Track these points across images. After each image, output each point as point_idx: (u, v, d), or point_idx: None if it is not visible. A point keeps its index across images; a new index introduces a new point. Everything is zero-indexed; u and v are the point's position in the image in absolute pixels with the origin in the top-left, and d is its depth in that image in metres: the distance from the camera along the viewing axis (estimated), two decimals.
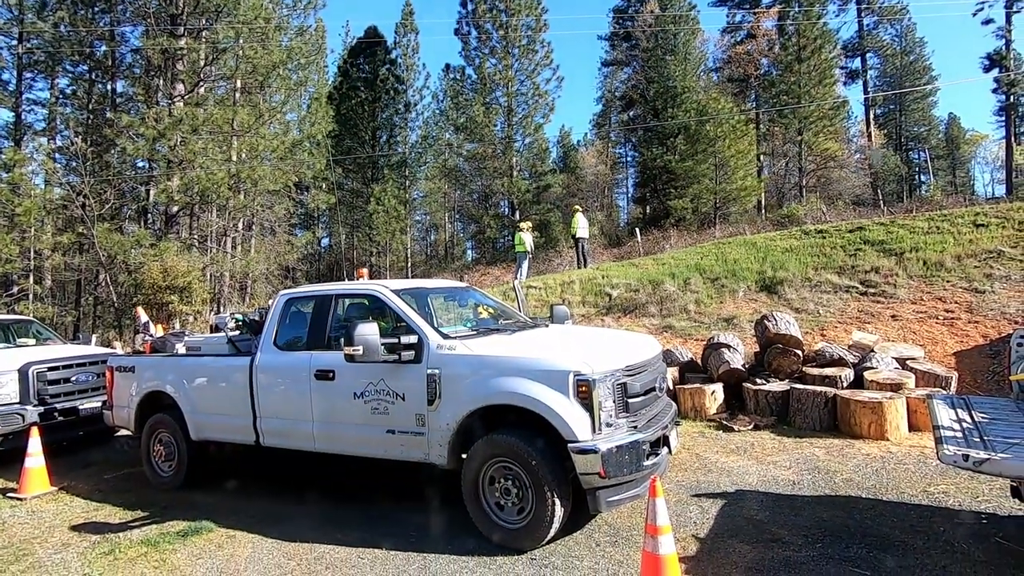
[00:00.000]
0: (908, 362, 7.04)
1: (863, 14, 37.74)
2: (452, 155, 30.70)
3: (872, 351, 7.24)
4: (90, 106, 23.18)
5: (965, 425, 3.47)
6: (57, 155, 21.50)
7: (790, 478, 4.87)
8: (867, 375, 6.61)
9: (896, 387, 6.25)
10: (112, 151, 19.89)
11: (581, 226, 15.52)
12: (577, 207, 16.69)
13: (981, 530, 3.79)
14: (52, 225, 19.27)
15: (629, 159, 42.46)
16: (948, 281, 9.37)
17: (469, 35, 29.32)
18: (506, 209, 31.83)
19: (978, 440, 3.20)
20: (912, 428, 5.91)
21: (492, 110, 28.55)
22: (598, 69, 48.20)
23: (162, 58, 18.14)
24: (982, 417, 3.61)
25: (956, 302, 8.82)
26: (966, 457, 2.93)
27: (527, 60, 28.72)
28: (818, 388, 6.42)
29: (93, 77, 23.35)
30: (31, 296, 19.49)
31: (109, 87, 23.07)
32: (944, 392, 6.13)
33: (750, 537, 3.82)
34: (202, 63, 18.71)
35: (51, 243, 19.04)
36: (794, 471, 5.03)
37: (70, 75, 23.53)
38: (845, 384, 6.67)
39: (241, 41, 18.15)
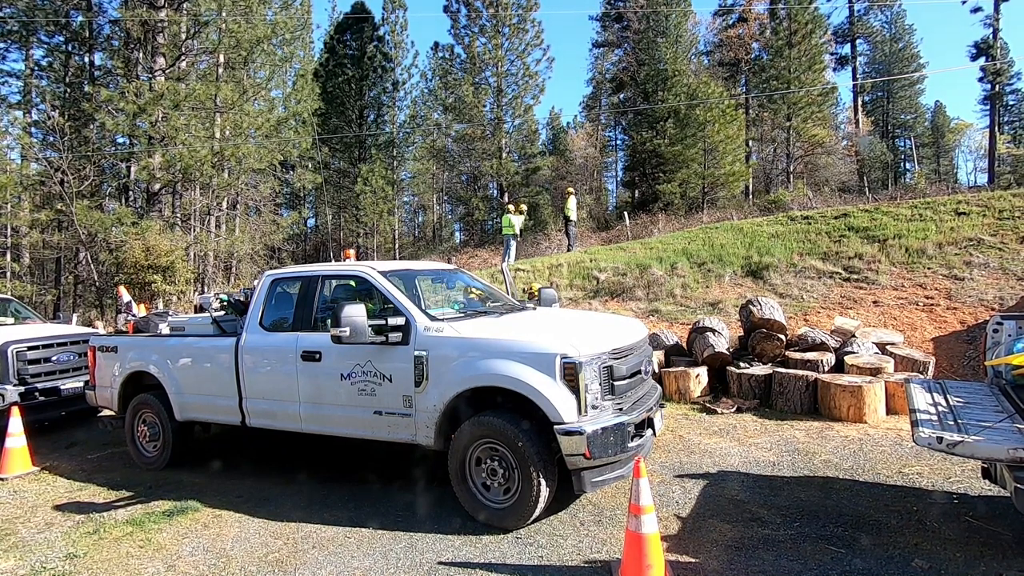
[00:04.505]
0: (888, 347, 7.18)
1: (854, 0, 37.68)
2: (440, 136, 30.28)
3: (853, 336, 7.37)
4: (67, 79, 22.49)
5: (940, 409, 3.56)
6: (33, 129, 20.89)
7: (770, 459, 4.98)
8: (848, 360, 6.73)
9: (875, 371, 6.38)
10: (91, 126, 19.38)
11: (572, 208, 15.93)
12: (570, 190, 17.07)
13: (952, 510, 3.91)
14: (30, 202, 18.82)
15: (619, 142, 42.29)
16: (929, 268, 9.53)
17: (459, 12, 28.76)
18: (495, 191, 31.61)
19: (952, 423, 3.28)
20: (890, 411, 6.05)
21: (481, 90, 28.16)
22: (589, 50, 47.84)
23: (142, 30, 17.61)
24: (957, 401, 3.70)
25: (936, 289, 8.98)
26: (940, 439, 3.01)
27: (517, 39, 28.27)
28: (800, 372, 6.53)
29: (70, 49, 22.62)
30: (8, 274, 19.10)
31: (87, 59, 22.38)
32: (921, 377, 6.28)
33: (731, 516, 3.91)
34: (183, 36, 18.20)
35: (29, 220, 18.64)
36: (775, 452, 5.14)
37: (45, 46, 22.75)
38: (826, 368, 6.80)
39: (224, 14, 17.66)
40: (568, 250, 15.60)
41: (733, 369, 7.04)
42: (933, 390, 3.95)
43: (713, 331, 7.66)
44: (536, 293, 7.53)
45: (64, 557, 3.84)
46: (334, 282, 4.99)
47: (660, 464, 4.94)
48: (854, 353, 6.95)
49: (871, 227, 11.34)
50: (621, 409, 3.85)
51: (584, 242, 19.14)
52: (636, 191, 31.09)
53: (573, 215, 16.09)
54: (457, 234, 40.69)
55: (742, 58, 33.52)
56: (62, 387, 6.86)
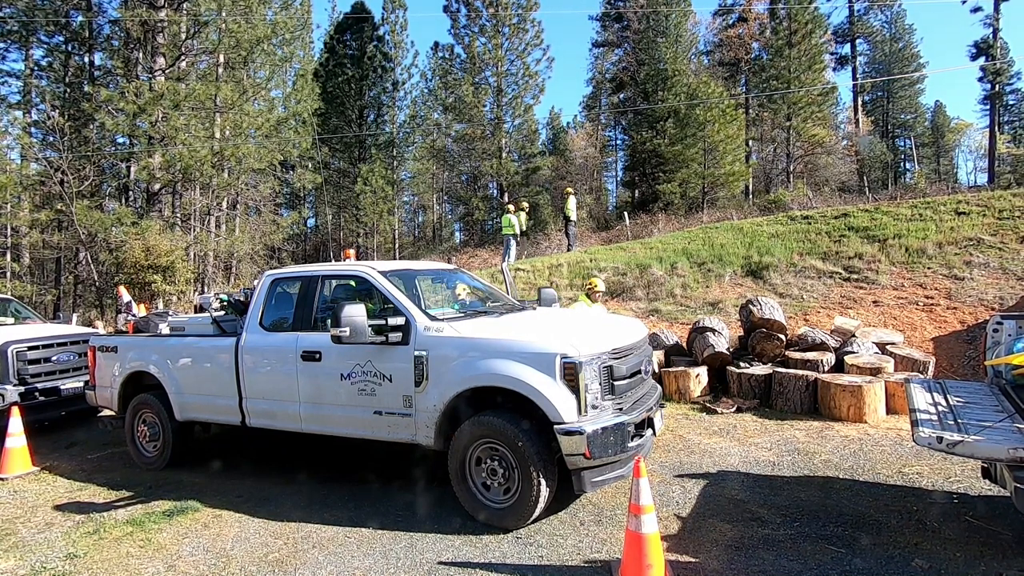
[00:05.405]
0: (888, 347, 7.18)
1: None
2: (440, 136, 30.25)
3: (853, 336, 7.37)
4: (67, 79, 22.48)
5: (940, 408, 3.56)
6: (33, 129, 20.89)
7: (770, 459, 4.98)
8: (848, 359, 6.73)
9: (875, 371, 6.38)
10: (91, 126, 19.38)
11: (572, 208, 15.95)
12: (570, 190, 17.08)
13: (952, 509, 3.91)
14: (29, 202, 18.82)
15: (619, 142, 42.25)
16: (929, 268, 9.53)
17: (458, 12, 28.74)
18: (495, 191, 31.61)
19: (952, 423, 3.28)
20: (890, 411, 6.05)
21: (481, 90, 28.14)
22: (589, 50, 47.71)
23: (141, 30, 17.60)
24: (957, 401, 3.70)
25: (936, 288, 8.98)
26: (940, 439, 3.01)
27: (517, 39, 28.25)
28: (800, 372, 6.53)
29: (69, 49, 22.61)
30: (8, 274, 19.10)
31: (86, 59, 22.37)
32: (921, 376, 6.27)
33: (730, 516, 3.91)
34: (183, 36, 18.19)
35: (28, 220, 18.64)
36: (774, 452, 5.14)
37: (45, 46, 22.74)
38: (826, 368, 6.79)
39: (224, 14, 17.65)
40: (568, 250, 15.61)
41: (733, 369, 7.04)
42: (933, 390, 3.95)
43: (713, 331, 7.66)
44: (596, 288, 7.13)
45: (64, 557, 3.84)
46: (334, 282, 4.99)
47: (660, 464, 4.94)
48: (854, 353, 6.95)
49: (871, 227, 11.34)
50: (621, 409, 3.85)
51: (584, 242, 19.13)
52: (636, 191, 31.08)
53: (573, 215, 16.13)
54: (457, 234, 40.68)
55: (742, 58, 33.50)
56: (62, 387, 6.86)
